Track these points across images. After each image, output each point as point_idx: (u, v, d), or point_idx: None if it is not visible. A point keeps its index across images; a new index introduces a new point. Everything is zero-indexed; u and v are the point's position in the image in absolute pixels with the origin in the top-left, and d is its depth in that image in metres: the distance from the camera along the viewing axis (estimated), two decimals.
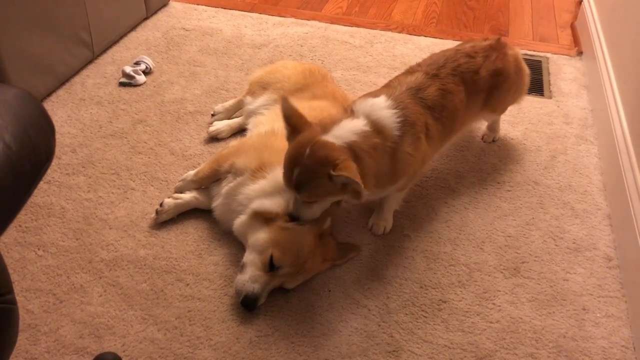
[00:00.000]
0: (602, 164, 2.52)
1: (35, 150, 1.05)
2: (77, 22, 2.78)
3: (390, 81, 2.11)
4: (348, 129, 1.80)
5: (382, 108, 1.89)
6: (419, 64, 2.16)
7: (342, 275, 1.99)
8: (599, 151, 2.60)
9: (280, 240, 1.84)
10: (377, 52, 3.25)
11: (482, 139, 2.62)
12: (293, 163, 1.76)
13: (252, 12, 3.58)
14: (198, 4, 3.60)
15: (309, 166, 1.73)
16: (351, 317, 1.86)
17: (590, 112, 2.85)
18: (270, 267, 1.82)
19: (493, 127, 2.61)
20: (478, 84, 2.17)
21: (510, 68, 2.29)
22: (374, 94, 1.98)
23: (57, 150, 2.40)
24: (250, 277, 1.82)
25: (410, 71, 2.14)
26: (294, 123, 1.81)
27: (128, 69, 2.86)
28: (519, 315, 1.89)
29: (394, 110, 1.89)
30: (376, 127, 1.83)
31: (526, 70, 2.44)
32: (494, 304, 1.92)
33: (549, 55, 3.34)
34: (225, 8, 3.59)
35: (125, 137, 2.52)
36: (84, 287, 1.89)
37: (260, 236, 1.88)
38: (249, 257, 1.87)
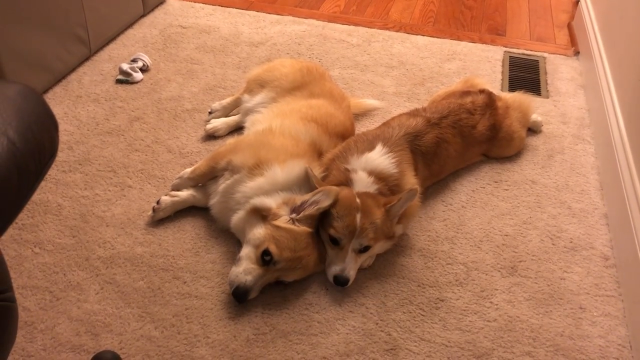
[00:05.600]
0: (599, 163, 2.53)
1: (39, 146, 1.04)
2: (73, 19, 2.77)
3: (391, 121, 2.27)
4: (363, 184, 1.98)
5: (376, 158, 2.04)
6: (424, 109, 2.34)
7: None
8: (596, 150, 2.60)
9: (277, 235, 1.85)
10: (374, 51, 3.25)
11: (534, 131, 2.72)
12: (352, 212, 1.88)
13: (250, 10, 3.57)
14: (195, 2, 3.59)
15: (367, 211, 1.89)
16: (349, 315, 1.86)
17: (587, 112, 2.86)
18: (264, 261, 1.82)
19: (535, 126, 2.70)
20: (475, 136, 2.37)
21: (501, 119, 2.47)
22: (369, 145, 2.09)
23: None
24: (244, 269, 1.82)
25: (413, 114, 2.30)
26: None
27: (125, 66, 2.84)
28: (517, 314, 1.90)
29: (387, 155, 2.05)
30: (376, 174, 2.00)
31: (513, 114, 2.53)
32: (491, 302, 1.93)
33: (546, 55, 3.34)
34: (222, 6, 3.58)
35: (122, 135, 2.51)
36: (80, 285, 1.89)
37: (258, 231, 1.88)
38: (244, 250, 1.88)
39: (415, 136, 2.17)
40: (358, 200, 1.90)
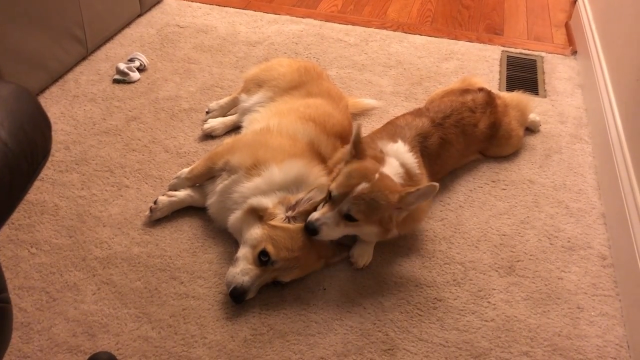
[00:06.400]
0: (597, 162, 2.53)
1: (32, 146, 1.04)
2: (70, 19, 2.76)
3: (396, 120, 2.24)
4: (394, 170, 1.95)
5: (404, 152, 2.04)
6: (427, 109, 2.32)
7: (337, 273, 1.99)
8: (594, 150, 2.60)
9: (273, 235, 1.84)
10: (372, 50, 3.24)
11: (532, 130, 2.72)
12: (361, 178, 1.83)
13: (247, 10, 3.57)
14: (192, 1, 3.59)
15: (377, 188, 1.83)
16: (346, 315, 1.85)
17: (584, 111, 2.86)
18: (261, 261, 1.82)
19: (533, 125, 2.70)
20: (476, 135, 2.36)
21: (500, 117, 2.46)
22: (392, 138, 2.08)
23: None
24: (241, 270, 1.82)
25: (417, 114, 2.27)
26: (360, 150, 1.92)
27: (122, 66, 2.84)
28: (514, 313, 1.89)
29: (411, 153, 2.05)
30: (406, 169, 1.99)
31: (512, 112, 2.53)
32: (489, 302, 1.93)
33: (543, 54, 3.34)
34: (219, 5, 3.57)
35: (119, 135, 2.50)
36: (77, 285, 1.88)
37: (255, 231, 1.88)
38: (242, 251, 1.88)
39: (424, 137, 2.16)
40: (377, 176, 1.86)
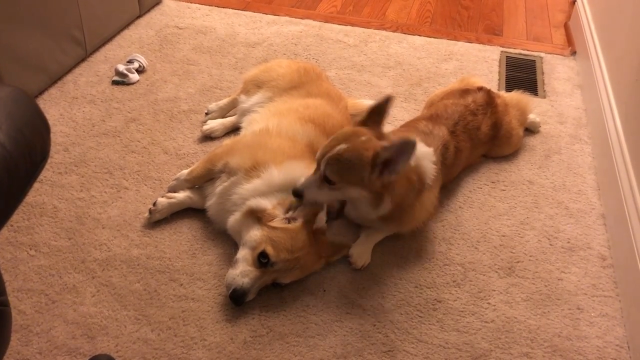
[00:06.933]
0: (596, 163, 2.53)
1: (31, 149, 1.04)
2: (69, 20, 2.76)
3: (416, 124, 2.20)
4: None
5: (429, 160, 2.00)
6: (437, 114, 2.27)
7: (337, 275, 1.99)
8: (593, 150, 2.60)
9: (273, 237, 1.84)
10: (371, 51, 3.24)
11: (532, 131, 2.71)
12: (342, 140, 1.82)
13: (246, 11, 3.57)
14: (191, 2, 3.59)
15: (352, 148, 1.81)
16: (346, 317, 1.85)
17: (584, 112, 2.86)
18: (261, 263, 1.82)
19: (533, 126, 2.69)
20: (480, 138, 2.35)
21: (501, 116, 2.44)
22: (425, 141, 2.05)
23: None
24: (241, 272, 1.82)
25: (434, 120, 2.23)
26: (375, 120, 1.92)
27: (121, 68, 2.83)
28: (514, 314, 1.89)
29: (435, 167, 2.01)
30: (418, 169, 1.94)
31: (512, 111, 2.52)
32: (488, 303, 1.92)
33: (542, 54, 3.34)
34: (218, 6, 3.57)
35: (119, 136, 2.50)
36: (76, 287, 1.88)
37: (254, 233, 1.87)
38: (241, 252, 1.87)
39: (445, 148, 2.14)
40: (363, 138, 1.81)
